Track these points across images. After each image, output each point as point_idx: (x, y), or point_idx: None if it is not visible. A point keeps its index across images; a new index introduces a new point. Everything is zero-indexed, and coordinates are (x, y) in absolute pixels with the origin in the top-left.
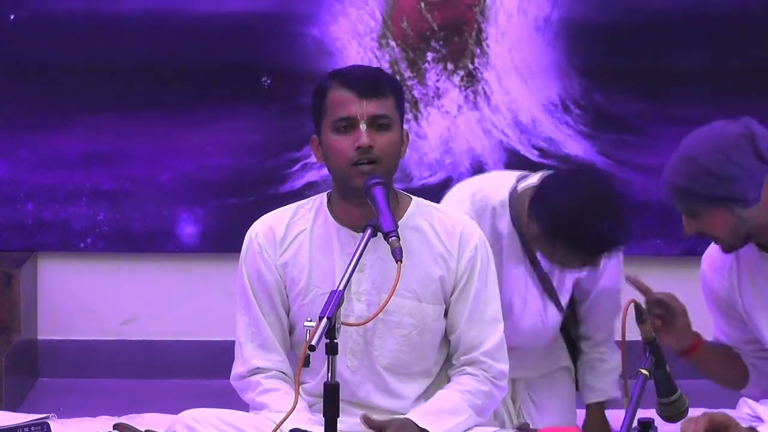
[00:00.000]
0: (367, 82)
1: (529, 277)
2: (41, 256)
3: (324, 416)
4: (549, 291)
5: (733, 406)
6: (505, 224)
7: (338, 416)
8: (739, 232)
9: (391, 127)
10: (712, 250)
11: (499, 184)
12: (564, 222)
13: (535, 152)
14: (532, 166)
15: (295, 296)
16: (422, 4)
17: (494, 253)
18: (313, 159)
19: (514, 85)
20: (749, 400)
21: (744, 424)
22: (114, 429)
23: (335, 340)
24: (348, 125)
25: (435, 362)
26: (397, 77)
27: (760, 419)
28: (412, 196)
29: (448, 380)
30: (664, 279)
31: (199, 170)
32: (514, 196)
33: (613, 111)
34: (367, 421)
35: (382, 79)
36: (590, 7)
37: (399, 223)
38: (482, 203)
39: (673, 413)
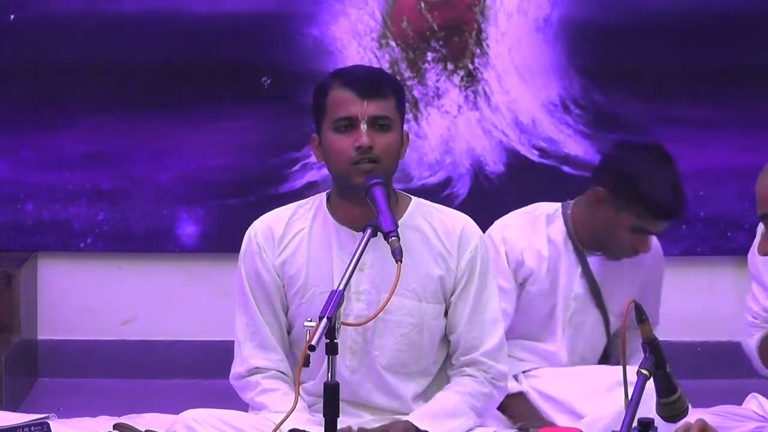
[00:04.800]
0: (369, 82)
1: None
2: (41, 256)
3: (324, 416)
4: (598, 300)
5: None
6: (559, 232)
7: (338, 416)
8: None
9: (392, 128)
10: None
11: (544, 204)
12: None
13: (535, 152)
14: (532, 166)
15: (293, 295)
16: (422, 4)
17: (550, 259)
18: (313, 159)
19: (514, 85)
20: (760, 397)
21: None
22: (114, 429)
23: (335, 340)
24: (348, 125)
25: (434, 361)
26: (397, 77)
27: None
28: (411, 196)
29: (448, 380)
30: (664, 279)
31: (199, 170)
32: (566, 210)
33: (613, 111)
34: None
35: (384, 79)
36: (590, 7)
37: (398, 222)
38: (535, 212)
39: (673, 413)
